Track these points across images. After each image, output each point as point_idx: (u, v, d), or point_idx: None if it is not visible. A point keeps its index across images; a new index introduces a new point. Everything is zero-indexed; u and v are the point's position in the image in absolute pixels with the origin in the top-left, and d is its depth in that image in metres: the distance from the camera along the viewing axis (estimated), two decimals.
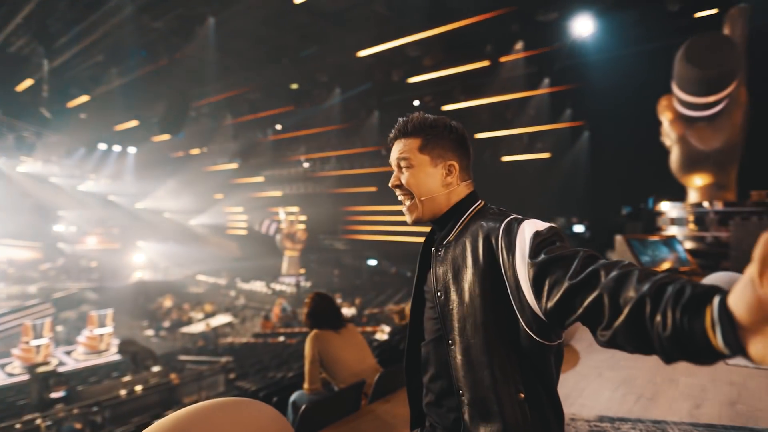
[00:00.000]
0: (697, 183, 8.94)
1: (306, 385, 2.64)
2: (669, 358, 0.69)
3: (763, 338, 0.56)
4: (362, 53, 13.04)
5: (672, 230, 8.58)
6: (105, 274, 23.94)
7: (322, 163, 22.34)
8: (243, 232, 28.80)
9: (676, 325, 0.65)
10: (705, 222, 8.14)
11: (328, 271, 24.88)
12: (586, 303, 0.79)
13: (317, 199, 24.16)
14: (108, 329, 13.04)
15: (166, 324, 17.65)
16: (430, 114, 1.22)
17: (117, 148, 22.18)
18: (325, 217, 24.80)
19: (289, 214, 25.45)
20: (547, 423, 1.02)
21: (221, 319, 18.22)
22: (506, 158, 17.87)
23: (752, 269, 0.55)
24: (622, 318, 0.73)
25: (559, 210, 18.66)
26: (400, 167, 1.20)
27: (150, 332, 17.08)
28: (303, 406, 2.00)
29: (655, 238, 5.33)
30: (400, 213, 1.24)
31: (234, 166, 23.57)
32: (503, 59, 12.25)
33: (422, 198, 1.17)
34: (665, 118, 9.22)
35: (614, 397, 2.37)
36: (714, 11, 8.98)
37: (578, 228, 19.04)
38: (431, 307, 1.18)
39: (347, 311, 16.32)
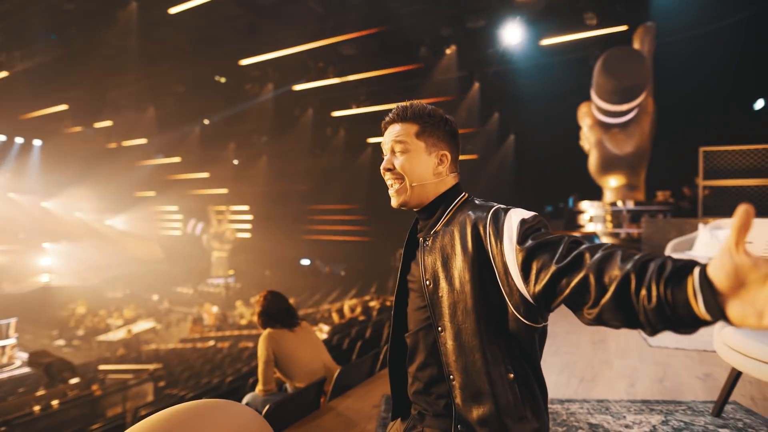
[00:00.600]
0: (612, 184, 9.76)
1: (260, 386, 2.57)
2: (654, 330, 0.74)
3: (740, 302, 0.61)
4: (296, 50, 12.81)
5: (591, 227, 9.34)
6: (4, 279, 21.50)
7: (253, 160, 21.63)
8: (176, 233, 27.09)
9: (660, 297, 0.69)
10: (619, 219, 8.95)
11: (259, 271, 24.19)
12: (572, 284, 0.83)
13: (265, 199, 23.34)
14: (11, 341, 11.76)
15: (80, 332, 16.21)
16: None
17: (19, 140, 20.02)
18: (262, 215, 24.06)
19: (218, 212, 24.41)
20: (536, 400, 1.08)
21: (143, 325, 17.10)
22: None
23: (729, 239, 0.61)
24: (608, 295, 0.77)
25: None
26: (394, 151, 1.20)
27: (61, 342, 15.57)
28: (267, 407, 1.94)
29: (576, 234, 5.76)
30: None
31: (165, 161, 22.08)
32: (437, 61, 12.57)
33: (413, 183, 1.18)
34: (585, 123, 9.99)
35: (560, 380, 2.54)
36: (624, 28, 9.89)
37: None
38: (418, 297, 1.19)
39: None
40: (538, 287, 0.91)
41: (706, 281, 0.64)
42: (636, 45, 9.39)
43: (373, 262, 21.93)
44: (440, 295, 1.10)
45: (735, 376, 1.94)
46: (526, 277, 0.94)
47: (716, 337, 1.95)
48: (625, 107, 9.00)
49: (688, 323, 0.69)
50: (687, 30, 9.30)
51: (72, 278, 23.29)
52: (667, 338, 3.30)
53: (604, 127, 9.60)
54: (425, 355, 1.16)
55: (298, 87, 15.05)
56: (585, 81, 9.73)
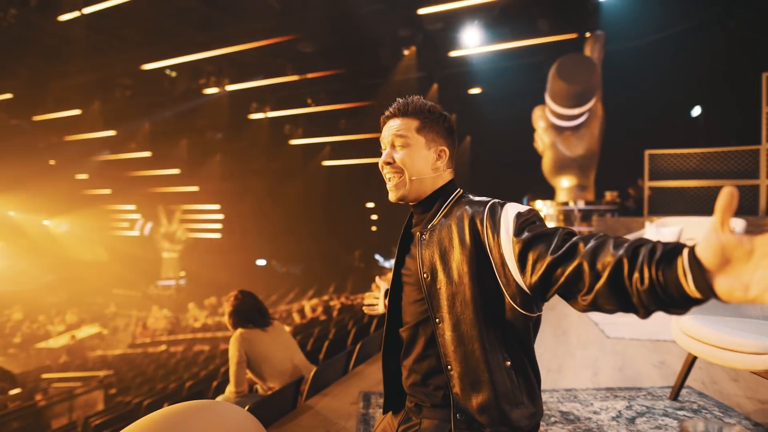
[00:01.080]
0: (564, 184, 10.21)
1: (232, 388, 2.50)
2: (647, 311, 0.77)
3: (727, 277, 0.65)
4: (253, 45, 12.54)
5: None
6: None
7: (206, 158, 20.93)
8: (129, 233, 25.64)
9: (652, 279, 0.72)
10: (571, 218, 9.38)
11: (212, 272, 23.45)
12: (567, 273, 0.87)
13: (219, 198, 22.57)
14: None
15: (17, 340, 15.12)
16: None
17: None
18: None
19: (168, 211, 23.46)
20: (531, 385, 1.12)
21: (88, 330, 16.17)
22: None
23: (715, 219, 0.65)
24: (602, 280, 0.80)
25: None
26: (394, 145, 1.22)
27: None
28: (246, 408, 1.90)
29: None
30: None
31: (116, 157, 20.78)
32: (396, 61, 12.66)
33: (413, 177, 1.20)
34: (539, 126, 10.38)
35: None
36: (575, 35, 10.38)
37: None
38: (415, 290, 1.20)
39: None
40: (535, 277, 0.94)
41: (695, 260, 0.68)
42: (587, 52, 9.87)
43: (331, 261, 21.81)
44: (438, 287, 1.12)
45: (691, 361, 2.09)
46: (522, 267, 0.98)
47: (674, 326, 2.09)
48: (576, 111, 9.45)
49: (680, 302, 0.71)
50: (633, 39, 9.88)
51: (5, 283, 21.67)
52: (623, 329, 3.50)
53: (557, 129, 10.03)
54: (423, 348, 1.18)
55: (254, 83, 14.75)
56: (539, 85, 10.11)
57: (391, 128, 1.23)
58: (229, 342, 2.59)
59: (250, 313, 2.65)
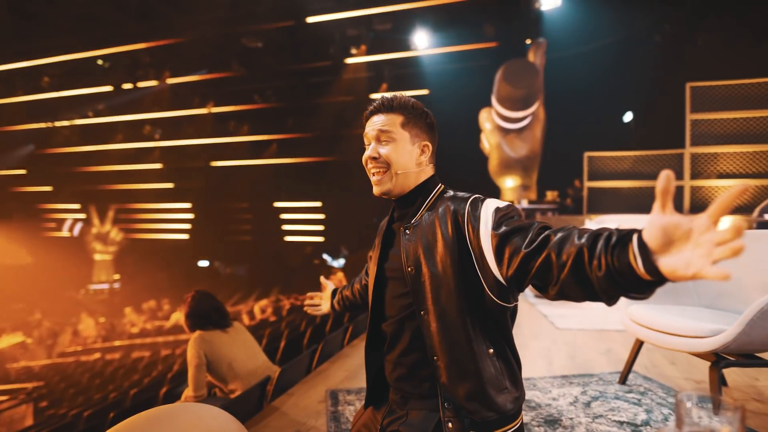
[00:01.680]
0: (508, 184, 10.62)
1: (191, 393, 2.41)
2: (609, 298, 0.81)
3: (670, 256, 0.68)
4: (196, 37, 12.06)
5: None
6: None
7: (143, 155, 19.84)
8: (61, 234, 23.62)
9: (608, 265, 0.76)
10: None
11: (150, 274, 22.27)
12: (537, 264, 0.91)
13: (157, 197, 21.38)
14: None
15: None
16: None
17: None
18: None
19: (99, 211, 22.01)
20: (513, 371, 1.17)
21: (9, 340, 14.85)
22: (345, 156, 18.44)
23: (656, 203, 0.68)
24: (566, 270, 0.84)
25: (388, 208, 20.05)
26: (379, 140, 1.23)
27: None
28: None
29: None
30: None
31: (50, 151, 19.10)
32: (346, 60, 12.62)
33: (398, 172, 1.22)
34: (485, 127, 10.74)
35: None
36: (518, 42, 10.87)
37: None
38: (399, 284, 1.22)
39: (179, 316, 14.91)
40: (511, 270, 0.98)
41: (642, 244, 0.71)
42: (531, 58, 10.33)
43: (278, 262, 21.36)
44: (423, 280, 1.15)
45: (638, 347, 2.26)
46: (499, 260, 1.02)
47: (623, 314, 2.25)
48: (521, 114, 9.87)
49: (635, 285, 0.75)
50: (572, 48, 10.47)
51: None
52: (571, 321, 3.71)
53: (503, 131, 10.42)
54: (408, 341, 1.20)
55: (197, 77, 14.17)
56: (486, 88, 10.45)
57: (376, 124, 1.23)
58: (171, 346, 2.49)
59: (209, 313, 2.56)
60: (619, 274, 0.75)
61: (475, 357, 1.11)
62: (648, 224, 0.71)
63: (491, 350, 1.14)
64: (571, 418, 1.91)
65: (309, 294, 1.83)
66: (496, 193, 11.38)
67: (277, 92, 15.14)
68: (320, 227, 21.80)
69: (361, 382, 2.48)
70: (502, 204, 1.11)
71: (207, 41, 12.22)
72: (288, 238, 21.57)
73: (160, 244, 22.29)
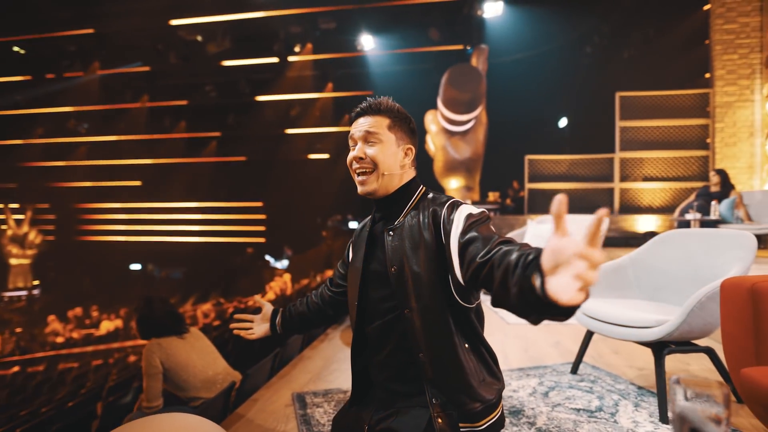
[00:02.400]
0: (453, 185, 10.93)
1: (146, 404, 2.28)
2: (527, 316, 0.84)
3: (555, 278, 0.68)
4: (129, 26, 11.39)
5: None
6: None
7: (67, 151, 18.40)
8: None
9: (519, 284, 0.80)
10: None
11: (74, 279, 20.68)
12: (484, 274, 0.98)
13: (84, 196, 19.80)
14: None
15: None
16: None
17: None
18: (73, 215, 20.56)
19: (15, 212, 20.14)
20: (489, 364, 1.24)
21: None
22: (289, 156, 18.12)
23: (553, 225, 0.69)
24: (497, 284, 0.89)
25: (336, 208, 19.93)
26: (366, 141, 1.25)
27: None
28: None
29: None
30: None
31: None
32: (291, 58, 12.42)
33: (384, 173, 1.24)
34: (431, 129, 10.98)
35: None
36: (461, 47, 11.22)
37: (353, 224, 20.76)
38: (382, 285, 1.25)
39: (111, 324, 14.04)
40: (467, 276, 1.06)
41: (538, 266, 0.73)
42: (474, 63, 10.69)
43: (217, 263, 20.59)
44: (405, 279, 1.18)
45: (588, 337, 2.42)
46: (461, 264, 1.09)
47: None
48: (465, 117, 10.20)
49: (542, 306, 0.75)
50: (512, 54, 10.98)
51: None
52: None
53: (448, 133, 10.71)
54: (396, 341, 1.22)
55: (130, 69, 13.37)
56: (430, 90, 10.70)
57: (363, 125, 1.26)
58: (103, 355, 2.35)
59: (163, 320, 2.44)
60: (528, 293, 0.77)
61: (457, 351, 1.17)
62: (545, 247, 0.72)
63: (467, 345, 1.20)
64: (532, 408, 2.02)
65: (236, 315, 1.63)
66: (441, 193, 11.66)
67: (218, 87, 14.59)
68: (261, 228, 21.28)
69: (326, 383, 2.47)
70: (475, 210, 1.18)
71: (142, 31, 11.56)
72: (228, 239, 20.88)
73: (87, 247, 20.79)
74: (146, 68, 13.16)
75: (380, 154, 1.24)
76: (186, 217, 20.66)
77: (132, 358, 10.94)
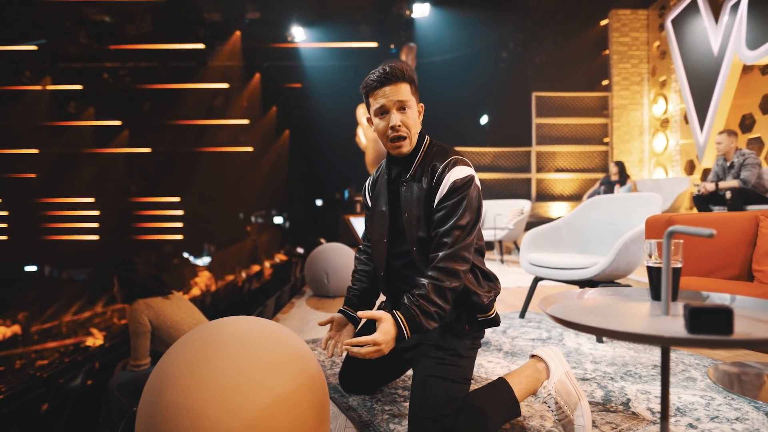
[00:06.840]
0: None
1: (133, 361, 2.33)
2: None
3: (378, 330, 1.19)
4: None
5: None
6: None
7: None
8: None
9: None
10: None
11: None
12: (431, 248, 1.32)
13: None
14: None
15: None
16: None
17: None
18: None
19: None
20: (479, 278, 1.43)
21: None
22: (210, 148, 17.47)
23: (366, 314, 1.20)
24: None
25: (260, 203, 19.53)
26: (399, 109, 1.35)
27: None
28: None
29: (362, 216, 6.93)
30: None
31: None
32: (217, 47, 12.05)
33: (414, 135, 1.38)
34: (362, 122, 11.26)
35: None
36: (375, 44, 11.70)
37: (278, 219, 20.46)
38: (397, 233, 1.44)
39: (7, 330, 12.70)
40: (431, 234, 1.33)
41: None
42: (402, 59, 11.16)
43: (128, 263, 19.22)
44: (411, 221, 1.37)
45: (534, 285, 2.85)
46: (433, 228, 1.33)
47: (522, 259, 2.83)
48: None
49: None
50: (438, 54, 11.62)
51: None
52: None
53: None
54: (414, 273, 1.39)
55: (30, 47, 12.14)
56: (359, 86, 10.96)
57: (394, 94, 1.33)
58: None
59: (147, 281, 2.49)
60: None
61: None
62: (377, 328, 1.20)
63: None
64: (497, 340, 2.39)
65: (325, 340, 1.55)
66: None
67: (132, 72, 13.66)
68: (179, 224, 20.26)
69: (315, 333, 2.66)
70: (461, 175, 1.31)
71: (46, 5, 10.57)
72: (142, 237, 19.61)
73: None
74: (46, 45, 11.99)
75: (411, 119, 1.35)
76: (90, 213, 19.09)
77: (40, 363, 10.01)
